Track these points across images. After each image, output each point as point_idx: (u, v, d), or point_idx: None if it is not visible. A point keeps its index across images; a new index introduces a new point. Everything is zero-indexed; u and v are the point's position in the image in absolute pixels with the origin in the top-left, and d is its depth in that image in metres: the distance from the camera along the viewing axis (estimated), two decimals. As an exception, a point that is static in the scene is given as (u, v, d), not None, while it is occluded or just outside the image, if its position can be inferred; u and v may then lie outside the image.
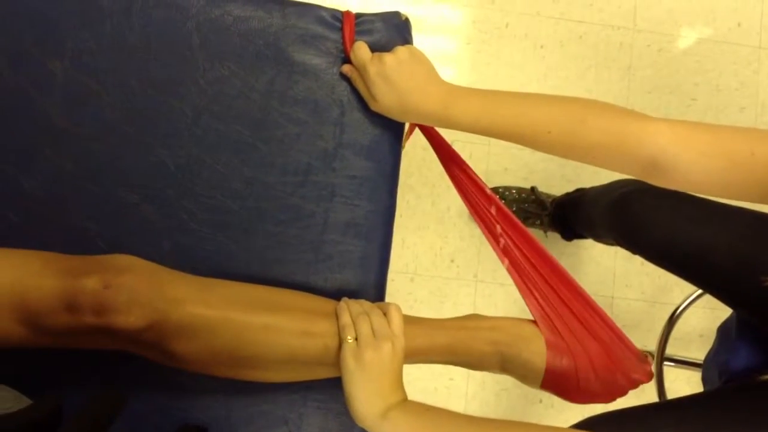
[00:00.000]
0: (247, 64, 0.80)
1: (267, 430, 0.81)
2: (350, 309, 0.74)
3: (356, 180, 0.83)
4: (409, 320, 0.77)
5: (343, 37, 0.81)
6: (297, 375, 0.76)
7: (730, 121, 1.67)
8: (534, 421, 1.57)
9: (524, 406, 1.58)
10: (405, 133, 0.86)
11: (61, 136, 0.78)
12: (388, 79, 0.74)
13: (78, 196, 0.78)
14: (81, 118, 0.78)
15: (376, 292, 0.84)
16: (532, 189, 1.52)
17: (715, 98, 1.68)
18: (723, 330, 1.08)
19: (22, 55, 0.77)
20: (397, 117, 0.79)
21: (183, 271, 0.73)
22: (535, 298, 0.81)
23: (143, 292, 0.65)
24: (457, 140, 1.47)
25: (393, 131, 0.84)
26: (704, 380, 1.09)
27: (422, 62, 0.76)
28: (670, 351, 1.27)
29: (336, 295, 0.80)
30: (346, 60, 0.81)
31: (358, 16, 0.82)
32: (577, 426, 0.87)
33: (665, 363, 1.27)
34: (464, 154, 0.85)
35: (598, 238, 1.29)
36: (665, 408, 0.96)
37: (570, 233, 1.42)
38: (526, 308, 0.83)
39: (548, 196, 1.50)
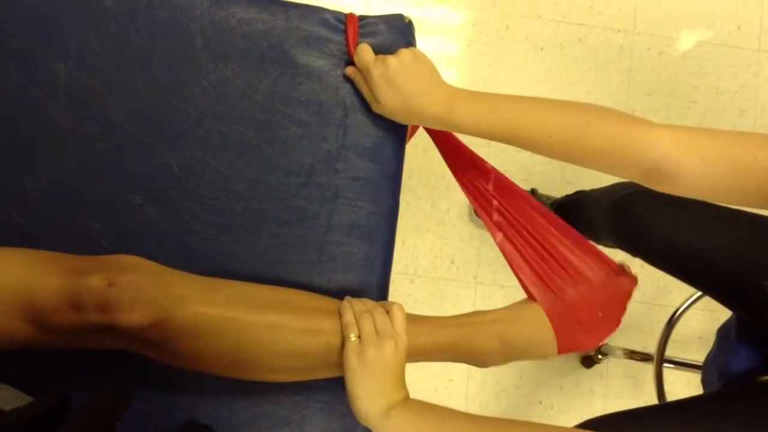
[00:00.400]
0: (250, 66, 0.81)
1: (270, 430, 0.81)
2: (353, 307, 0.74)
3: (359, 181, 0.83)
4: (412, 318, 0.78)
5: (346, 40, 0.81)
6: (300, 375, 0.76)
7: (729, 124, 1.68)
8: (534, 421, 1.57)
9: (524, 407, 1.58)
10: (407, 135, 0.86)
11: (65, 136, 0.78)
12: (392, 82, 0.74)
13: (82, 196, 0.78)
14: (85, 119, 0.78)
15: (379, 293, 0.84)
16: (532, 191, 1.52)
17: (715, 101, 1.68)
18: (722, 332, 1.08)
19: (26, 56, 0.77)
20: (400, 119, 0.79)
21: (186, 271, 0.73)
22: (529, 266, 0.83)
23: (147, 290, 0.66)
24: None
25: (396, 133, 0.84)
26: (704, 382, 1.10)
27: (425, 65, 0.76)
28: (669, 353, 1.28)
29: (339, 295, 0.80)
30: (350, 62, 0.81)
31: (362, 18, 0.82)
32: (579, 426, 0.87)
33: (665, 365, 1.27)
34: (465, 156, 0.85)
35: (599, 241, 1.29)
36: (665, 410, 0.96)
37: (570, 235, 1.42)
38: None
39: (548, 198, 1.50)
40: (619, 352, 1.49)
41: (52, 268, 0.66)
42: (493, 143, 0.74)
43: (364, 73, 0.78)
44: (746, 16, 1.71)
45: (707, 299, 1.07)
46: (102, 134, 0.79)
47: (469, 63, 1.61)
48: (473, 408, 1.55)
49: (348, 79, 0.82)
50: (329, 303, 0.77)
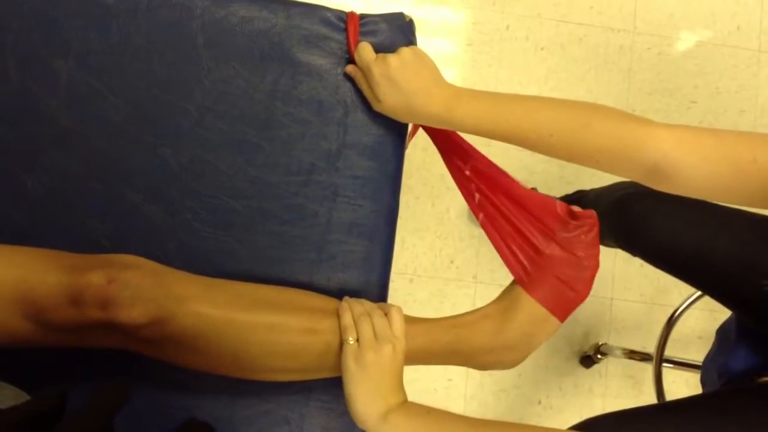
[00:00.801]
0: (251, 64, 0.81)
1: (268, 429, 0.81)
2: (352, 309, 0.74)
3: (359, 180, 0.83)
4: (410, 321, 0.78)
5: (347, 38, 0.81)
6: (299, 374, 0.76)
7: (729, 124, 1.68)
8: (533, 421, 1.57)
9: (523, 407, 1.58)
10: (408, 134, 0.86)
11: (65, 135, 0.78)
12: (392, 80, 0.74)
13: (82, 195, 0.78)
14: (85, 117, 0.78)
15: (379, 292, 0.84)
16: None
17: (715, 101, 1.68)
18: (722, 332, 1.08)
19: (27, 55, 0.77)
20: (400, 118, 0.79)
21: (187, 270, 0.73)
22: (505, 242, 0.81)
23: (147, 288, 0.66)
24: (458, 141, 1.47)
25: (396, 132, 0.84)
26: (703, 382, 1.10)
27: (426, 63, 0.76)
28: (669, 353, 1.28)
29: (339, 294, 0.80)
30: (350, 61, 0.82)
31: (362, 17, 0.82)
32: (576, 427, 0.87)
33: (664, 364, 1.27)
34: (465, 156, 0.85)
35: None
36: (664, 409, 0.96)
37: (570, 235, 1.42)
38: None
39: (548, 197, 1.50)
40: (618, 352, 1.49)
41: (52, 266, 0.66)
42: (494, 142, 0.74)
43: (365, 71, 0.78)
44: (746, 17, 1.71)
45: (707, 299, 1.07)
46: (102, 133, 0.79)
47: (470, 62, 1.61)
48: (472, 408, 1.55)
49: (348, 78, 0.82)
50: (329, 302, 0.77)
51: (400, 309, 0.75)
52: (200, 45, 0.80)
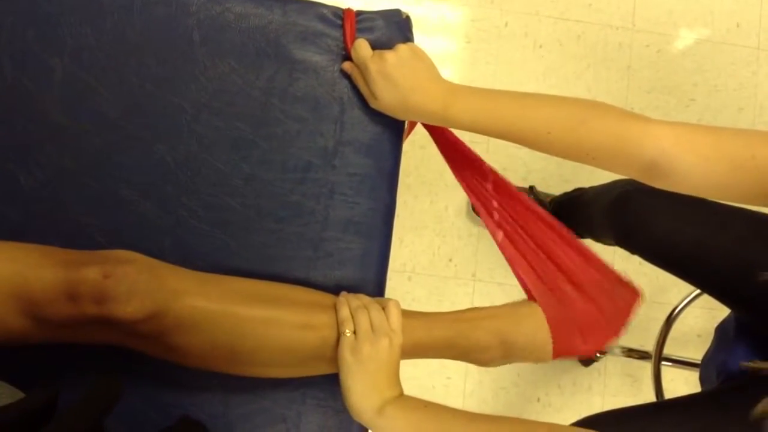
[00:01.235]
0: (247, 61, 0.80)
1: (265, 427, 0.81)
2: (349, 303, 0.74)
3: (356, 177, 0.83)
4: (408, 314, 0.78)
5: (343, 35, 0.81)
6: (295, 370, 0.76)
7: (728, 122, 1.68)
8: (531, 419, 1.57)
9: (522, 405, 1.58)
10: (405, 131, 0.86)
11: (60, 132, 0.78)
12: (389, 77, 0.74)
13: (77, 192, 0.78)
14: (80, 114, 0.78)
15: (376, 290, 0.84)
16: (531, 188, 1.52)
17: (714, 99, 1.68)
18: (721, 330, 1.08)
19: (21, 51, 0.77)
20: (397, 115, 0.79)
21: (183, 267, 0.73)
22: (531, 267, 0.82)
23: (143, 282, 0.66)
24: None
25: (393, 129, 0.84)
26: (702, 380, 1.10)
27: (423, 60, 0.76)
28: (667, 351, 1.28)
29: (335, 291, 0.79)
30: (347, 57, 0.81)
31: (359, 13, 0.82)
32: (576, 424, 0.87)
33: (663, 363, 1.27)
34: (464, 153, 0.85)
35: (597, 238, 1.29)
36: (663, 408, 0.96)
37: (568, 233, 1.42)
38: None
39: (547, 195, 1.50)
40: (618, 350, 1.49)
41: (48, 261, 0.66)
42: (491, 139, 0.74)
43: (362, 68, 0.78)
44: (745, 14, 1.71)
45: (705, 297, 1.07)
46: (97, 130, 0.78)
47: (468, 60, 1.61)
48: (471, 405, 1.55)
49: (345, 75, 0.82)
50: (325, 298, 0.77)
51: (397, 303, 0.75)
52: (196, 42, 0.79)
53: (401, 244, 1.55)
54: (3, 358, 0.65)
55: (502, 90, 0.73)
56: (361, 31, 0.80)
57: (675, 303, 1.29)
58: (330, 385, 0.80)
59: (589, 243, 1.55)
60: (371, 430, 0.71)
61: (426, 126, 0.83)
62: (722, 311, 1.04)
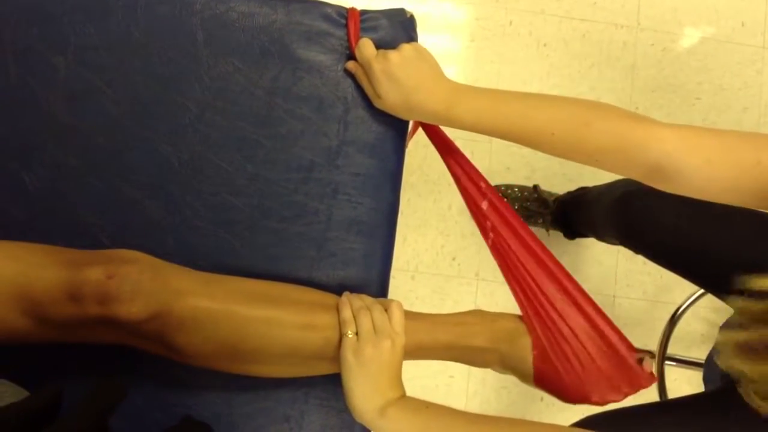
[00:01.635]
0: (251, 61, 0.80)
1: (268, 426, 0.81)
2: (352, 304, 0.74)
3: (360, 177, 0.83)
4: (410, 316, 0.78)
5: (347, 34, 0.80)
6: (298, 370, 0.76)
7: (732, 121, 1.67)
8: (535, 419, 1.57)
9: (525, 404, 1.58)
10: (409, 131, 0.86)
11: (64, 131, 0.78)
12: (393, 77, 0.74)
13: (81, 191, 0.78)
14: (84, 113, 0.78)
15: (379, 290, 0.84)
16: (535, 187, 1.51)
17: (719, 98, 1.67)
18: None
19: (25, 50, 0.77)
20: (401, 115, 0.79)
21: (186, 267, 0.73)
22: (521, 296, 0.82)
23: (146, 283, 0.66)
24: (459, 138, 1.46)
25: (397, 129, 0.84)
26: (705, 380, 1.09)
27: (427, 60, 0.76)
28: (671, 350, 1.27)
29: (338, 291, 0.80)
30: (351, 57, 0.81)
31: (363, 12, 0.82)
32: (577, 424, 0.87)
33: (666, 362, 1.27)
34: (466, 153, 0.85)
35: (600, 237, 1.29)
36: (666, 407, 0.96)
37: (572, 232, 1.42)
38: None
39: (550, 194, 1.50)
40: (621, 350, 1.48)
41: (51, 261, 0.66)
42: (495, 139, 0.73)
43: (366, 68, 0.77)
44: (750, 13, 1.70)
45: (709, 297, 1.06)
46: (101, 129, 0.78)
47: (472, 59, 1.61)
48: (474, 405, 1.55)
49: (349, 74, 0.82)
50: (328, 298, 0.77)
51: (400, 304, 0.75)
52: (200, 41, 0.79)
53: (404, 242, 1.55)
54: (8, 357, 0.65)
55: (505, 90, 0.73)
56: (365, 30, 0.80)
57: (679, 302, 1.29)
58: (333, 385, 0.80)
59: (592, 242, 1.56)
60: (373, 431, 0.71)
61: (426, 131, 0.83)
62: (726, 311, 1.04)
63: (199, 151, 0.80)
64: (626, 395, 0.83)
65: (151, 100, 0.79)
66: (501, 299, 1.55)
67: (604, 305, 0.84)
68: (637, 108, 1.63)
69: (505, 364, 0.82)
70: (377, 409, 0.68)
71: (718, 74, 1.68)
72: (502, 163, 1.58)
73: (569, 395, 0.82)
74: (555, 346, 0.81)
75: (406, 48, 0.75)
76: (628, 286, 1.61)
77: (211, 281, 0.72)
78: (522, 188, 1.52)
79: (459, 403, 1.54)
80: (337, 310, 0.74)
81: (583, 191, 1.36)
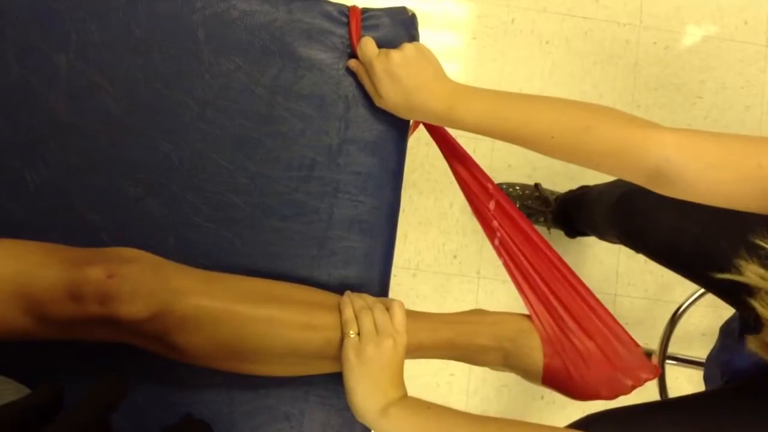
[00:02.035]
0: (252, 59, 0.80)
1: (269, 425, 0.81)
2: (353, 303, 0.74)
3: (361, 176, 0.83)
4: (412, 315, 0.78)
5: (349, 33, 0.80)
6: (299, 369, 0.76)
7: (735, 120, 1.67)
8: (535, 417, 1.57)
9: (525, 403, 1.58)
10: (409, 130, 0.86)
11: (65, 129, 0.78)
12: (395, 76, 0.74)
13: (81, 189, 0.78)
14: (85, 111, 0.78)
15: (380, 289, 0.84)
16: (536, 186, 1.51)
17: (721, 96, 1.67)
18: (725, 329, 1.07)
19: (26, 48, 0.77)
20: (402, 114, 0.78)
21: (187, 265, 0.73)
22: (529, 295, 0.82)
23: (147, 282, 0.66)
24: (461, 135, 1.47)
25: (398, 128, 0.84)
26: (706, 379, 1.09)
27: (429, 60, 0.75)
28: (672, 349, 1.27)
29: (339, 290, 0.80)
30: (352, 55, 0.81)
31: (365, 11, 0.81)
32: (576, 423, 0.87)
33: (667, 361, 1.27)
34: (468, 150, 0.85)
35: (602, 236, 1.28)
36: (666, 406, 0.96)
37: (573, 231, 1.42)
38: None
39: (552, 193, 1.50)
40: (622, 349, 1.48)
41: (52, 259, 0.66)
42: (497, 138, 0.73)
43: (367, 66, 0.77)
44: (753, 11, 1.69)
45: (710, 296, 1.06)
46: (102, 127, 0.78)
47: (474, 56, 1.60)
48: (474, 403, 1.55)
49: (350, 73, 0.82)
50: (329, 298, 0.77)
51: (401, 303, 0.75)
52: (201, 39, 0.79)
53: (406, 240, 1.55)
54: (8, 355, 0.65)
55: (507, 92, 0.73)
56: (366, 28, 0.80)
57: (680, 301, 1.29)
58: (333, 383, 0.80)
59: (593, 240, 1.56)
60: (374, 430, 0.71)
61: (432, 134, 0.83)
62: (727, 310, 1.04)
63: (200, 150, 0.80)
64: (633, 388, 0.83)
65: (152, 97, 0.79)
66: (502, 297, 1.55)
67: (605, 304, 0.83)
68: (639, 106, 1.63)
69: (509, 363, 0.82)
70: (379, 408, 0.68)
71: (720, 73, 1.67)
72: (503, 160, 1.58)
73: (579, 392, 0.82)
74: (565, 343, 0.81)
75: (408, 47, 0.75)
76: (629, 284, 1.61)
77: (212, 280, 0.72)
78: (523, 186, 1.52)
79: (459, 402, 1.54)
80: (339, 309, 0.74)
81: (584, 190, 1.35)
